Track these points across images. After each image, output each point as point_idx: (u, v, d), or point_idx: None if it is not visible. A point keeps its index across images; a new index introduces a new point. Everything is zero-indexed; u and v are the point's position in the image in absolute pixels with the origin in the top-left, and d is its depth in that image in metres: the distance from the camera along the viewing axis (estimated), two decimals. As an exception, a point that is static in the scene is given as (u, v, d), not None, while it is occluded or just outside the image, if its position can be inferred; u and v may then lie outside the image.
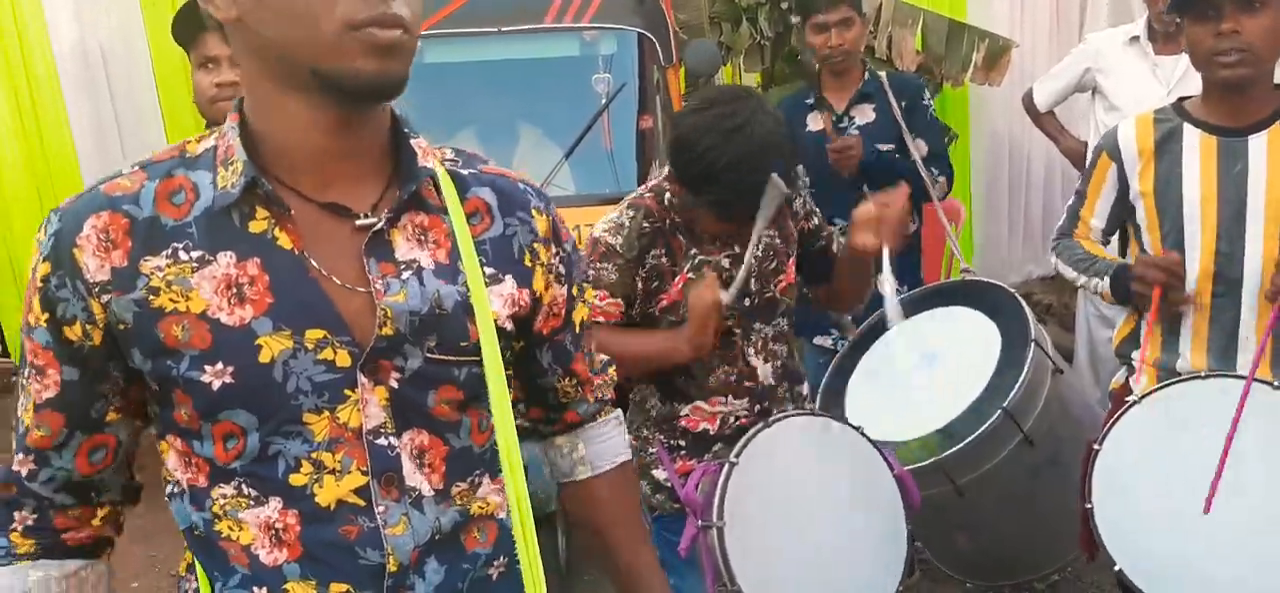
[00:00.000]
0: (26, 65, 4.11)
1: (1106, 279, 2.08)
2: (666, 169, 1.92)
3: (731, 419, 1.94)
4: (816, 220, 2.07)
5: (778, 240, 1.95)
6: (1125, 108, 3.23)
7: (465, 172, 1.11)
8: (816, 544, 1.76)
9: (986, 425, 2.08)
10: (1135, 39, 3.44)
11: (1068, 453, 2.12)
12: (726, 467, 1.72)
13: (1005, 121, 4.98)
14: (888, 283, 1.94)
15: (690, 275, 1.85)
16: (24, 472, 1.03)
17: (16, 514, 1.05)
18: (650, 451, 1.96)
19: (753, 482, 1.73)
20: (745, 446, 1.75)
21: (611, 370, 1.34)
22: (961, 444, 2.09)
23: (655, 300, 1.87)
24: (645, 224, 1.86)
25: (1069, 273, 2.21)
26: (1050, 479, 2.19)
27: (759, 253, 1.90)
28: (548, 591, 1.08)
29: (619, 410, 1.35)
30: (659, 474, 1.94)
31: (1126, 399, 1.91)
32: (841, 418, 2.31)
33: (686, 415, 1.94)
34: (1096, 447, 1.85)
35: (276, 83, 0.97)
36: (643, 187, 1.98)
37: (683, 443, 1.95)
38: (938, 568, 2.57)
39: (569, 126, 2.87)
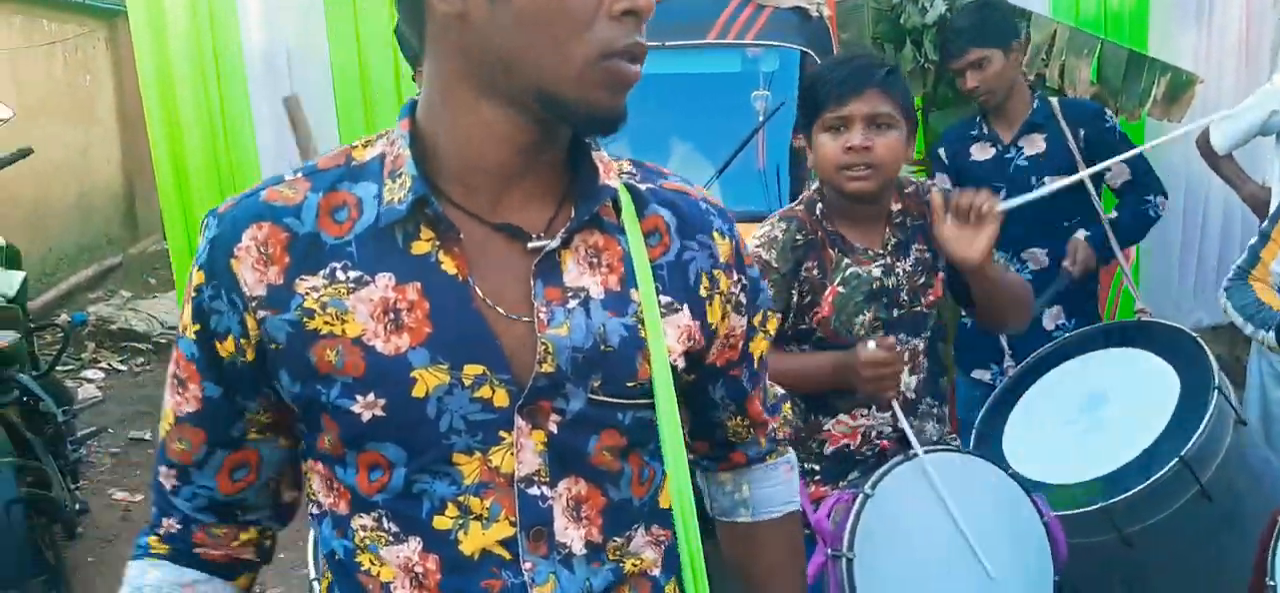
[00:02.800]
0: (218, 65, 4.34)
1: (1273, 332, 1.95)
2: (816, 183, 1.91)
3: (873, 434, 1.89)
4: None
5: (927, 254, 1.91)
6: None
7: (644, 187, 1.01)
8: (950, 587, 1.69)
9: (1162, 473, 1.97)
10: None
11: (1246, 511, 1.99)
12: (861, 497, 1.68)
13: (1182, 161, 4.69)
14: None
15: (840, 289, 1.82)
16: (168, 485, 1.00)
17: (165, 520, 1.01)
18: None
19: (887, 515, 1.68)
20: (882, 477, 1.70)
21: (786, 409, 1.25)
22: (1133, 491, 1.98)
23: (808, 315, 1.85)
24: (798, 237, 1.85)
25: (1236, 318, 2.09)
26: (1226, 538, 2.06)
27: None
28: None
29: (791, 453, 1.25)
30: None
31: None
32: (989, 456, 2.24)
33: (829, 428, 1.90)
34: None
35: (479, 90, 0.91)
36: (794, 202, 1.96)
37: (818, 467, 1.91)
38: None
39: (724, 142, 2.86)
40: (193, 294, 0.94)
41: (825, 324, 1.85)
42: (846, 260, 1.86)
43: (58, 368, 4.28)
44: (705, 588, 0.99)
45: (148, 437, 4.99)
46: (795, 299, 1.85)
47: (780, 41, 3.04)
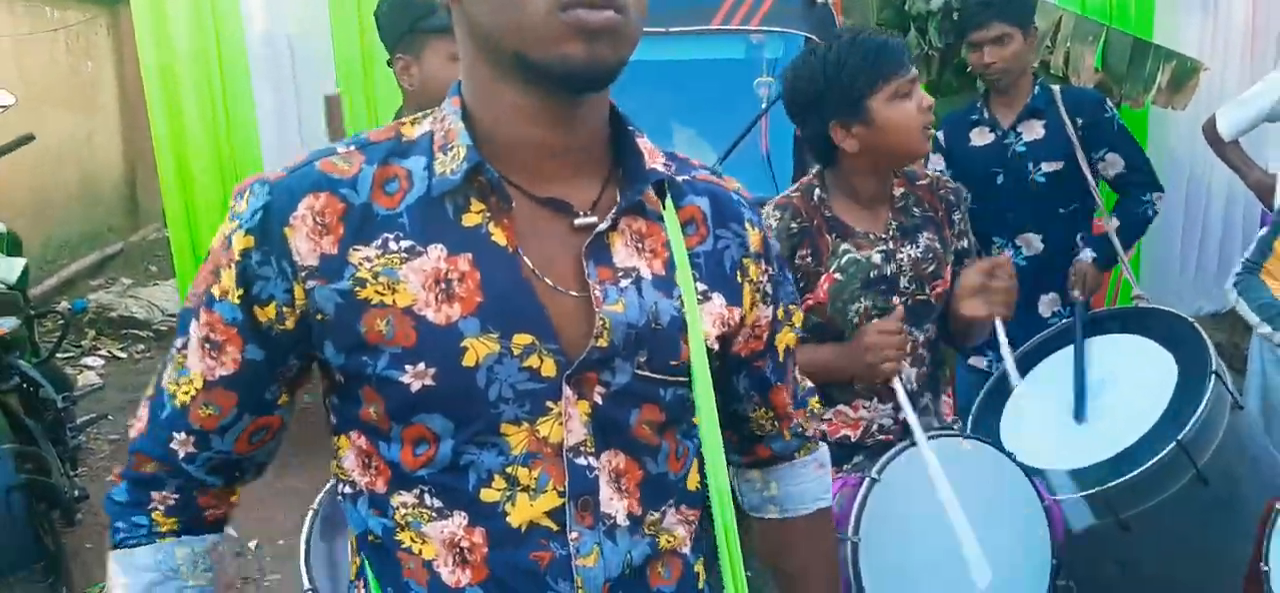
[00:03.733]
0: (220, 52, 4.32)
1: None
2: (816, 168, 1.90)
3: (874, 427, 1.90)
4: (966, 243, 2.01)
5: (937, 244, 1.91)
6: None
7: (681, 177, 1.03)
8: (954, 570, 1.68)
9: (1158, 457, 1.97)
10: None
11: (1243, 496, 2.00)
12: (867, 482, 1.69)
13: (1186, 148, 4.68)
14: (1004, 349, 1.86)
15: (837, 275, 1.82)
16: (181, 452, 0.98)
17: (156, 494, 1.00)
18: None
19: (892, 500, 1.69)
20: (888, 463, 1.71)
21: (813, 403, 1.25)
22: (1129, 475, 1.99)
23: (801, 302, 1.84)
24: (793, 224, 1.86)
25: (1250, 316, 2.07)
26: (1222, 522, 2.07)
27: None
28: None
29: (822, 450, 1.25)
30: None
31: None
32: (993, 443, 2.24)
33: (829, 420, 1.90)
34: (1278, 505, 1.73)
35: (491, 69, 0.93)
36: (790, 188, 1.96)
37: None
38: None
39: (727, 129, 2.86)
40: (237, 258, 0.92)
41: (821, 310, 1.84)
42: (845, 245, 1.86)
43: (58, 355, 4.28)
44: (739, 564, 0.99)
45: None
46: (794, 288, 1.84)
47: (784, 28, 3.04)
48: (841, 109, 1.82)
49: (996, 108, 2.95)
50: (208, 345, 0.95)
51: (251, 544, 3.65)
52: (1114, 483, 2.03)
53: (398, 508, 0.96)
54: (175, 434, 0.98)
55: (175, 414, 0.98)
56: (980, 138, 2.97)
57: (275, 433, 1.02)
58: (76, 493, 3.56)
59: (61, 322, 4.67)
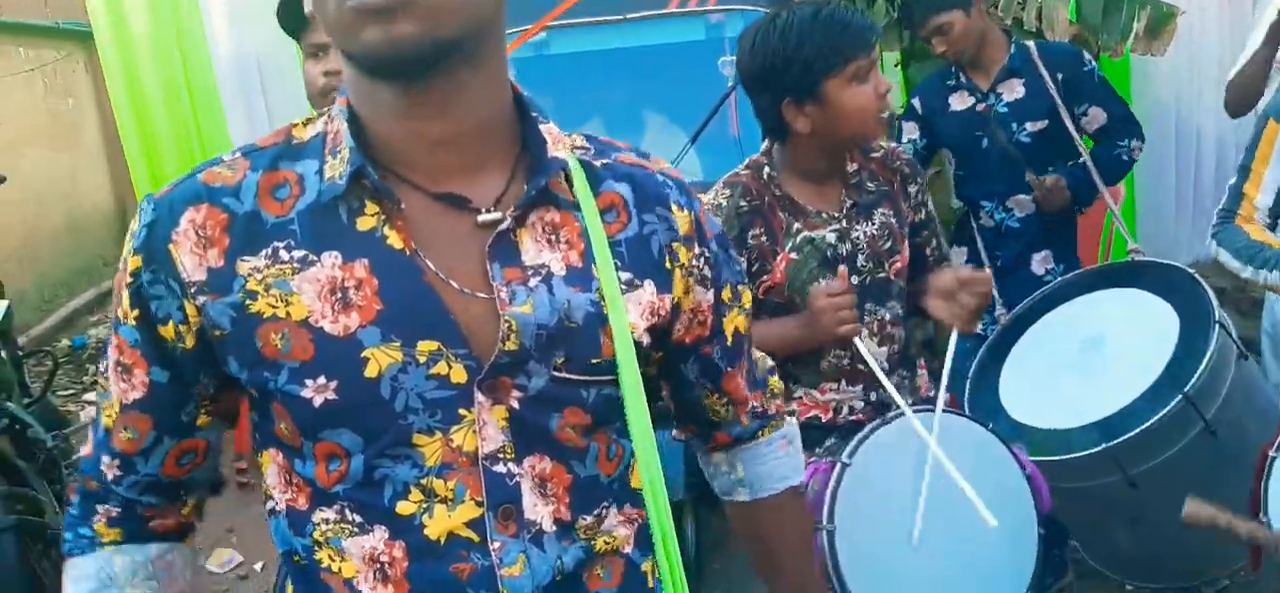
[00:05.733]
0: (187, 73, 4.30)
1: (1277, 272, 1.88)
2: (766, 142, 1.84)
3: (844, 409, 1.84)
4: (924, 214, 1.96)
5: (893, 219, 1.85)
6: None
7: (598, 162, 0.99)
8: (934, 550, 1.64)
9: (1165, 411, 1.92)
10: None
11: (1252, 448, 1.94)
12: (838, 467, 1.64)
13: (1171, 92, 4.63)
14: (947, 365, 1.77)
15: (793, 255, 1.76)
16: (109, 475, 0.97)
17: (100, 507, 0.99)
18: None
19: (866, 484, 1.64)
20: (859, 445, 1.66)
21: (774, 382, 1.21)
22: (1136, 431, 1.93)
23: (758, 282, 1.80)
24: (742, 203, 1.79)
25: (1232, 263, 2.01)
26: (1232, 476, 2.01)
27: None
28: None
29: (789, 426, 1.22)
30: None
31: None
32: (986, 406, 2.19)
33: (799, 397, 1.85)
34: (1272, 454, 1.68)
35: (352, 66, 0.89)
36: (740, 166, 1.89)
37: None
38: (1090, 568, 2.41)
39: (696, 112, 2.83)
40: (129, 280, 0.90)
41: (779, 291, 1.79)
42: (798, 224, 1.80)
43: (58, 393, 4.27)
44: (677, 564, 0.95)
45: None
46: (743, 267, 1.78)
47: (743, 5, 3.00)
48: (796, 88, 1.74)
49: (973, 72, 2.89)
50: (119, 369, 0.94)
51: (257, 566, 3.63)
52: (1120, 440, 1.97)
53: (319, 525, 0.94)
54: (102, 457, 0.97)
55: (103, 437, 0.97)
56: (960, 102, 2.90)
57: (205, 455, 1.00)
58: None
59: (51, 362, 4.66)
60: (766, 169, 1.83)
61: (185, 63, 4.31)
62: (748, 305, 1.13)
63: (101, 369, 0.98)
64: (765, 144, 1.87)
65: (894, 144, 2.56)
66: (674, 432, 1.22)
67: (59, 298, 7.66)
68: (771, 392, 1.20)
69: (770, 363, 1.21)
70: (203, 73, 4.33)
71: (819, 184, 1.83)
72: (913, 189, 1.93)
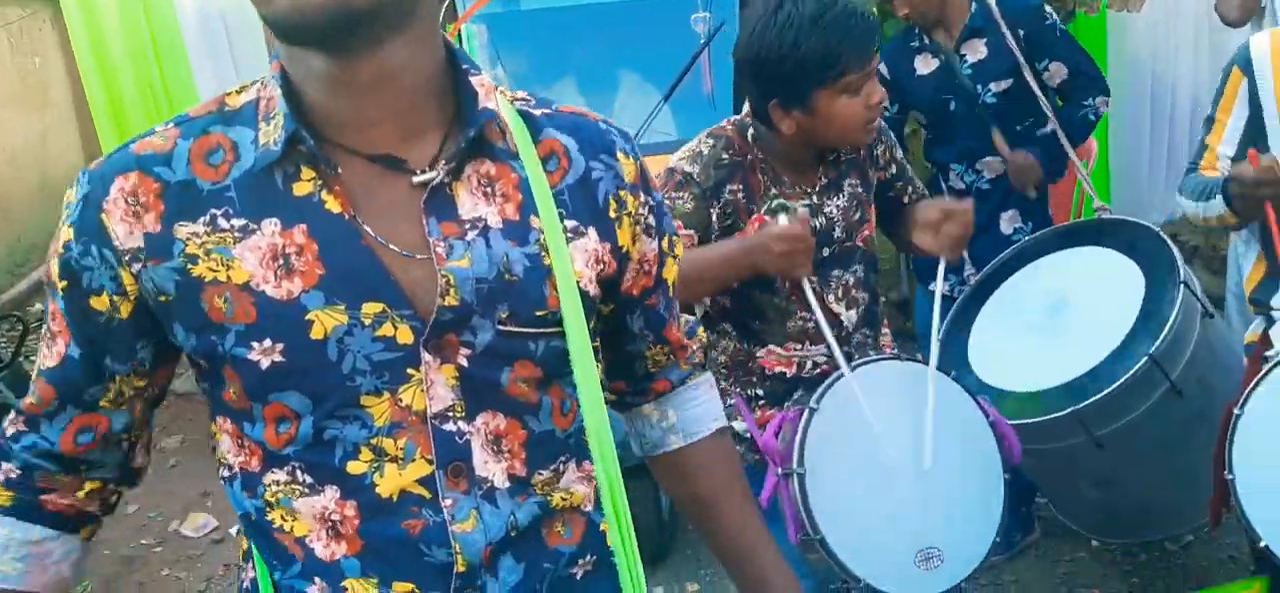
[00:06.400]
0: (153, 33, 4.24)
1: (1219, 195, 1.87)
2: (748, 106, 1.82)
3: (808, 364, 1.85)
4: (895, 169, 1.95)
5: (860, 189, 1.85)
6: None
7: (538, 112, 0.99)
8: (902, 494, 1.66)
9: (1131, 373, 1.92)
10: None
11: (1218, 407, 1.95)
12: (806, 413, 1.64)
13: (1147, 48, 4.62)
14: (938, 294, 1.81)
15: (766, 217, 1.74)
16: (10, 431, 0.98)
17: (3, 465, 0.98)
18: (728, 402, 1.88)
19: (834, 428, 1.65)
20: (826, 390, 1.67)
21: (701, 333, 1.22)
22: (1102, 393, 1.94)
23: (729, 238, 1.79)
24: (724, 155, 1.77)
25: (1190, 208, 2.01)
26: (1198, 434, 2.03)
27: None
28: (646, 545, 0.99)
29: (710, 373, 1.23)
30: (738, 426, 1.87)
31: (1267, 356, 1.72)
32: (954, 366, 2.20)
33: (762, 357, 1.86)
34: (1237, 410, 1.68)
35: None
36: (727, 119, 1.86)
37: (761, 391, 1.88)
38: (1058, 524, 2.43)
39: (669, 70, 2.81)
40: (60, 251, 0.90)
41: None
42: (774, 190, 1.79)
43: (30, 358, 4.21)
44: (624, 509, 0.96)
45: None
46: (715, 219, 1.76)
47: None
48: (785, 92, 1.70)
49: (936, 32, 2.85)
50: (48, 335, 0.95)
51: (232, 530, 3.61)
52: (1087, 402, 1.97)
53: (269, 487, 0.94)
54: (10, 413, 0.99)
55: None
56: (925, 66, 2.87)
57: (104, 439, 0.99)
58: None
59: (21, 326, 4.59)
60: (751, 131, 1.81)
61: (150, 20, 4.25)
62: (681, 256, 1.13)
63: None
64: (747, 111, 1.85)
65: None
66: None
67: (31, 261, 7.55)
68: (701, 341, 1.22)
69: (694, 318, 1.23)
70: (169, 30, 4.28)
71: (798, 167, 1.83)
72: (878, 151, 1.92)
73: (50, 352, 0.95)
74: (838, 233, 1.83)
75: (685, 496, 1.21)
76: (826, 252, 1.82)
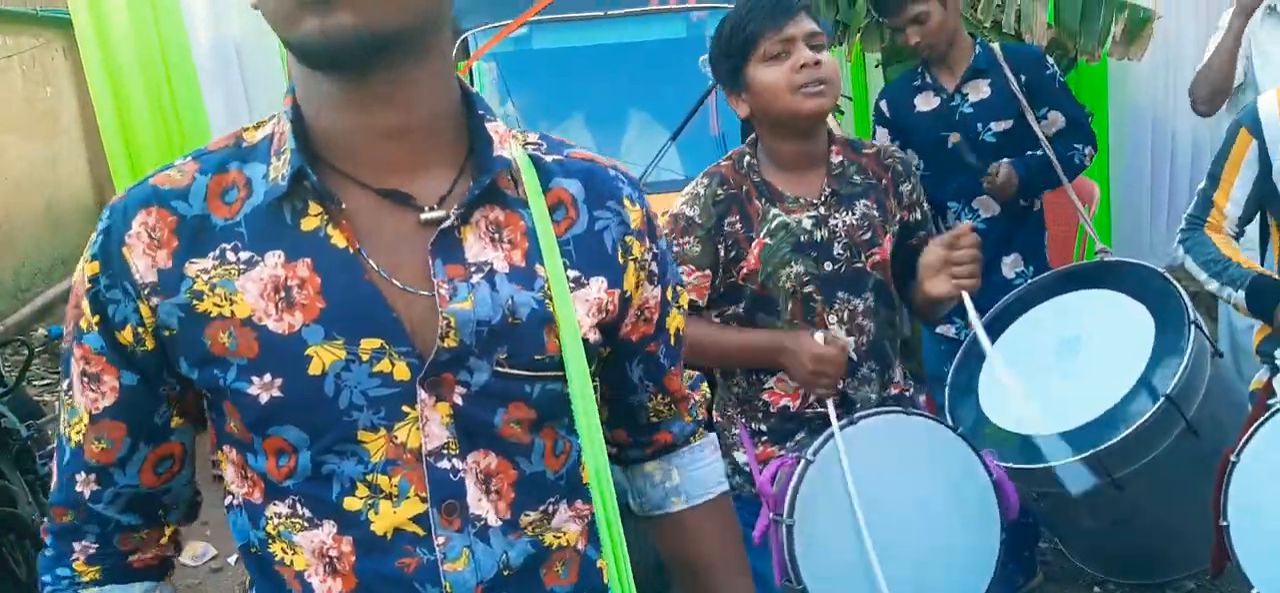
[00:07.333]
0: (165, 61, 4.27)
1: (1242, 291, 1.89)
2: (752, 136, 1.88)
3: (812, 399, 1.84)
4: (919, 214, 1.94)
5: (875, 212, 1.85)
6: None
7: (549, 158, 0.99)
8: (891, 552, 1.65)
9: (1149, 415, 1.92)
10: (1273, 8, 3.14)
11: (1229, 443, 1.96)
12: (802, 463, 1.66)
13: (1148, 96, 4.67)
14: (974, 319, 1.78)
15: (767, 240, 1.79)
16: (86, 492, 0.95)
17: (77, 544, 0.97)
18: (733, 431, 1.90)
19: (827, 482, 1.66)
20: (823, 444, 1.68)
21: (703, 388, 1.22)
22: (1119, 437, 1.93)
23: (735, 269, 1.82)
24: (719, 191, 1.82)
25: (1198, 274, 2.02)
26: (1212, 474, 2.03)
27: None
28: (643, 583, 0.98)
29: (714, 434, 1.22)
30: (739, 457, 1.89)
31: (1270, 404, 1.73)
32: (967, 411, 2.20)
33: (770, 387, 1.87)
34: (1234, 458, 1.68)
35: (294, 59, 0.88)
36: (725, 155, 1.92)
37: (764, 427, 1.88)
38: (1061, 568, 2.42)
39: (677, 110, 2.83)
40: (87, 286, 0.91)
41: (753, 278, 1.81)
42: (774, 210, 1.81)
43: (33, 382, 4.22)
44: (624, 554, 0.95)
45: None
46: (722, 254, 1.81)
47: (724, 3, 3.00)
48: (728, 80, 1.81)
49: (939, 71, 2.90)
50: (86, 379, 0.93)
51: (231, 559, 3.61)
52: (1105, 444, 1.97)
53: (271, 519, 0.94)
54: (77, 476, 0.96)
55: (73, 456, 0.96)
56: (926, 103, 2.91)
57: (182, 461, 0.99)
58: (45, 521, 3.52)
59: (26, 351, 4.61)
60: (747, 158, 1.86)
61: (164, 51, 4.27)
62: (686, 307, 1.14)
63: (62, 390, 0.96)
64: (751, 137, 1.90)
65: (888, 143, 2.56)
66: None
67: (36, 286, 7.57)
68: (703, 397, 1.21)
69: (697, 373, 1.21)
70: (182, 61, 4.29)
71: (799, 172, 1.84)
72: (905, 188, 1.92)
73: (99, 393, 0.93)
74: (839, 249, 1.82)
75: (680, 558, 1.20)
76: (829, 267, 1.82)
